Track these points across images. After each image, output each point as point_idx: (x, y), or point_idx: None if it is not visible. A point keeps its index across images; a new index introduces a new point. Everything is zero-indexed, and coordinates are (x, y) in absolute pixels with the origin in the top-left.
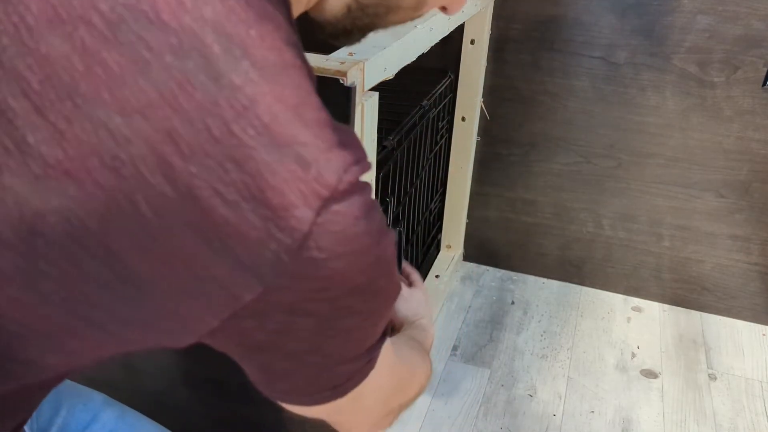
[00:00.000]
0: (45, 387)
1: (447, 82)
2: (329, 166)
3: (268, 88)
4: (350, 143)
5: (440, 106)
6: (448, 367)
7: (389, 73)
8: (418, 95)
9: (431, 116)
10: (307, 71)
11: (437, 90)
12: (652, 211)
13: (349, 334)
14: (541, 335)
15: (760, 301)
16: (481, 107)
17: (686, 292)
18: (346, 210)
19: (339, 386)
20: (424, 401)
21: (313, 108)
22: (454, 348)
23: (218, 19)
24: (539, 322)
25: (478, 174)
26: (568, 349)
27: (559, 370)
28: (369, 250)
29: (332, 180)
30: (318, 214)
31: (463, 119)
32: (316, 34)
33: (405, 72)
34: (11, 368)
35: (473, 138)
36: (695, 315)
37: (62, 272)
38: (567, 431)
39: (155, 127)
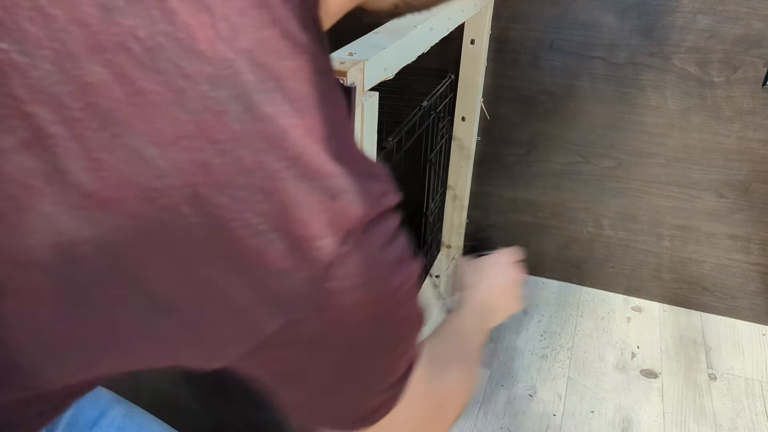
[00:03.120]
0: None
1: (447, 83)
2: (356, 198)
3: (299, 121)
4: (378, 175)
5: (440, 107)
6: None
7: (389, 73)
8: (418, 95)
9: (431, 116)
10: (339, 100)
11: (437, 90)
12: (652, 211)
13: (372, 368)
14: (541, 335)
15: (760, 301)
16: (481, 107)
17: (686, 292)
18: (369, 240)
19: (367, 417)
20: None
21: (343, 140)
22: None
23: (253, 49)
24: (539, 322)
25: (478, 174)
26: (568, 349)
27: (559, 370)
28: (389, 279)
29: (358, 211)
30: (342, 244)
31: (463, 119)
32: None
33: (405, 72)
34: (34, 377)
35: (473, 138)
36: (695, 315)
37: (98, 297)
38: (567, 431)
39: (190, 158)
